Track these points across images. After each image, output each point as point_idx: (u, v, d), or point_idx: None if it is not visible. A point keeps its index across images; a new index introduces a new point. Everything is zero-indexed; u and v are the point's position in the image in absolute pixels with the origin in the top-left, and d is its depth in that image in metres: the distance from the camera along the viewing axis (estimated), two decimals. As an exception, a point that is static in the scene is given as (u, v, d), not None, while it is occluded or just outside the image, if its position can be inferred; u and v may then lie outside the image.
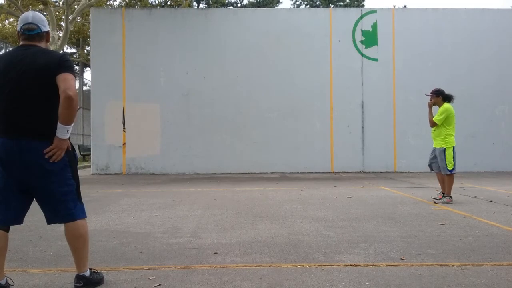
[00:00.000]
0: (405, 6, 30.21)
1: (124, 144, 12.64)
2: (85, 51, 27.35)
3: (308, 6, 36.24)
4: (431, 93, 6.52)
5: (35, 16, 2.73)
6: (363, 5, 34.83)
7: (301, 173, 12.64)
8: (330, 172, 12.80)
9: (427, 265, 3.31)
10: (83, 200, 2.87)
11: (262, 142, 12.87)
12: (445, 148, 6.25)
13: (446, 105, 6.33)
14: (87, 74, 29.34)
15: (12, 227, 2.90)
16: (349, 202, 6.65)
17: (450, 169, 6.23)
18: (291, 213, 5.65)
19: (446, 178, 6.34)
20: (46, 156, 2.58)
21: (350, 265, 3.31)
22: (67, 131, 2.59)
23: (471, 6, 55.40)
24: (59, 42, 17.41)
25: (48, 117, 2.60)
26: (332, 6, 33.73)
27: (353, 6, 32.46)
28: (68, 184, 2.70)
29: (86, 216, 2.85)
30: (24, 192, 2.69)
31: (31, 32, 2.67)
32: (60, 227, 4.76)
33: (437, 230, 4.51)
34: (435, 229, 4.59)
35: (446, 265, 3.30)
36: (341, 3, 35.44)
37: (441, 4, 58.36)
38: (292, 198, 7.07)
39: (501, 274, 3.07)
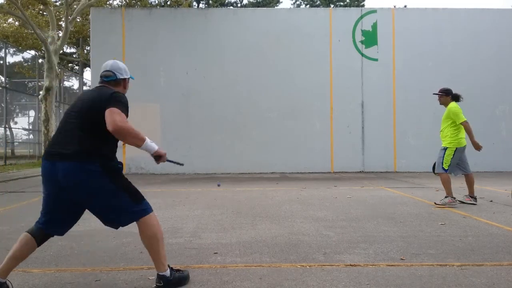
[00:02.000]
0: (405, 6, 30.21)
1: (124, 144, 12.64)
2: (85, 51, 27.34)
3: (308, 6, 36.24)
4: (439, 92, 6.42)
5: (114, 64, 2.99)
6: (363, 5, 34.84)
7: (301, 173, 12.64)
8: (330, 172, 12.80)
9: (427, 265, 3.31)
10: None
11: (262, 142, 12.87)
12: (447, 148, 6.12)
13: (454, 104, 6.20)
14: (87, 74, 29.36)
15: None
16: (349, 202, 6.65)
17: (445, 168, 6.08)
18: (291, 213, 5.65)
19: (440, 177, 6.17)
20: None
21: (350, 265, 3.31)
22: (145, 149, 2.83)
23: (471, 6, 55.45)
24: (59, 42, 17.42)
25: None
26: (332, 6, 33.73)
27: (353, 6, 32.47)
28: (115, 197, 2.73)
29: (148, 214, 2.80)
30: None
31: (106, 79, 2.95)
32: (60, 227, 4.76)
33: (437, 230, 4.51)
34: (435, 229, 4.59)
35: (446, 265, 3.30)
36: (341, 3, 35.44)
37: (441, 4, 58.40)
38: (292, 198, 7.07)
39: (501, 274, 3.07)
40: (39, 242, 2.80)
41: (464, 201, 6.26)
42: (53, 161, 2.69)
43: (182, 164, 3.14)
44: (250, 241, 4.09)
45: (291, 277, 3.03)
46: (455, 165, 6.15)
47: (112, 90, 2.84)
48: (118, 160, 2.87)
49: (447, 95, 6.33)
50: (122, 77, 2.99)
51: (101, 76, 2.98)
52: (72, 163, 2.65)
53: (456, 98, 6.32)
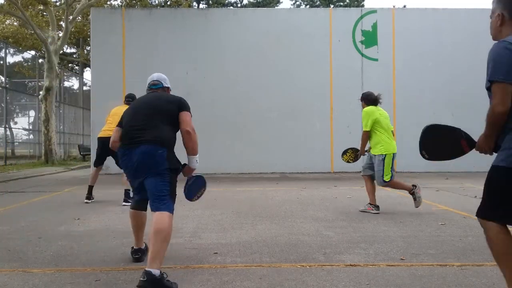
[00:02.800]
0: (404, 6, 30.22)
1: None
2: (85, 51, 27.35)
3: (308, 6, 36.25)
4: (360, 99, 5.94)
5: (160, 76, 3.66)
6: (363, 5, 34.85)
7: (301, 173, 12.64)
8: (330, 172, 12.79)
9: (427, 265, 3.31)
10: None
11: (262, 142, 12.86)
12: (384, 156, 5.53)
13: (365, 109, 5.66)
14: (87, 74, 29.37)
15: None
16: (349, 202, 6.65)
17: (386, 180, 5.50)
18: (291, 213, 5.65)
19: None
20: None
21: (350, 265, 3.31)
22: (194, 159, 3.36)
23: (471, 6, 55.45)
24: (59, 42, 17.43)
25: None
26: (332, 6, 33.74)
27: (353, 6, 32.47)
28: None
29: (170, 212, 3.01)
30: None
31: (155, 86, 3.59)
32: (59, 227, 4.76)
33: (437, 230, 4.51)
34: (435, 229, 4.59)
35: (446, 265, 3.30)
36: (341, 3, 35.46)
37: (441, 4, 58.40)
38: (292, 198, 7.07)
39: (501, 274, 3.06)
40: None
41: (366, 210, 5.67)
42: None
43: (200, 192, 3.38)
44: (250, 241, 4.09)
45: (291, 277, 3.03)
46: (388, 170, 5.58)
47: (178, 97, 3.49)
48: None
49: (362, 100, 5.81)
50: (167, 86, 3.65)
51: (149, 85, 3.59)
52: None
53: (370, 102, 5.70)
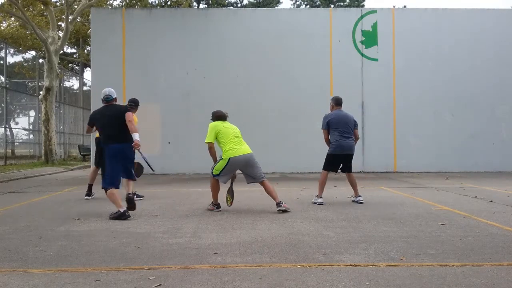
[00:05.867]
0: (404, 6, 30.22)
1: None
2: (85, 51, 27.35)
3: (308, 6, 36.26)
4: None
5: (111, 90, 5.90)
6: (363, 5, 34.85)
7: (301, 173, 12.63)
8: (330, 172, 12.76)
9: (427, 265, 3.31)
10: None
11: (262, 142, 12.82)
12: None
13: (210, 124, 6.26)
14: (87, 74, 29.38)
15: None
16: (349, 202, 6.66)
17: (214, 174, 5.96)
18: (291, 213, 5.65)
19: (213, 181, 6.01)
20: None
21: (350, 265, 3.31)
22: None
23: (471, 6, 55.42)
24: (59, 42, 17.43)
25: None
26: (332, 6, 33.74)
27: (353, 6, 32.47)
28: None
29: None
30: None
31: (108, 99, 5.81)
32: (59, 227, 4.76)
33: (437, 230, 4.51)
34: (435, 229, 4.59)
35: (446, 265, 3.30)
36: (341, 3, 35.47)
37: (441, 4, 58.38)
38: (292, 198, 7.08)
39: (501, 274, 3.07)
40: None
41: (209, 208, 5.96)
42: None
43: (153, 170, 4.70)
44: (250, 241, 4.09)
45: (291, 277, 3.03)
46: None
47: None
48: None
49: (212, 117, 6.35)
50: (114, 97, 5.90)
51: (104, 97, 5.79)
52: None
53: (216, 118, 6.41)
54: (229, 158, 5.95)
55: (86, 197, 7.00)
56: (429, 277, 3.01)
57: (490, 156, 12.95)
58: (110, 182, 5.34)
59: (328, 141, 6.84)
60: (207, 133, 6.11)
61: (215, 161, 6.08)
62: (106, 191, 5.33)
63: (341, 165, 6.80)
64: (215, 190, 6.01)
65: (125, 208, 5.22)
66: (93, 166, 7.47)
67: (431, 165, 12.94)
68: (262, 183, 6.11)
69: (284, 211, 5.71)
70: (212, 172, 6.02)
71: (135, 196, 6.42)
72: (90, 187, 7.11)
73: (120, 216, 5.16)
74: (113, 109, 5.64)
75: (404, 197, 7.25)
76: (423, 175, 11.86)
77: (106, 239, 4.20)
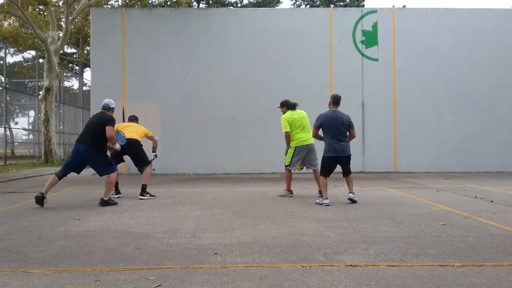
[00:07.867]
0: (404, 6, 30.21)
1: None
2: (85, 51, 27.34)
3: (308, 6, 36.25)
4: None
5: (110, 101, 6.77)
6: (363, 5, 34.85)
7: (301, 173, 12.59)
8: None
9: (428, 265, 3.30)
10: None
11: (262, 142, 12.85)
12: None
13: (282, 117, 7.26)
14: (87, 74, 29.35)
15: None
16: (349, 202, 6.65)
17: (286, 164, 7.15)
18: (291, 213, 5.65)
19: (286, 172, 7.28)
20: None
21: (351, 265, 3.30)
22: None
23: (471, 6, 55.42)
24: (59, 42, 17.44)
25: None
26: (332, 6, 33.74)
27: (353, 6, 32.47)
28: None
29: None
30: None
31: (106, 107, 6.65)
32: (59, 227, 4.75)
33: (438, 231, 4.51)
34: (435, 229, 4.58)
35: (446, 265, 3.30)
36: (341, 3, 35.45)
37: (441, 4, 58.38)
38: (292, 198, 7.07)
39: (501, 275, 3.07)
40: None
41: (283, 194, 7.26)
42: None
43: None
44: (250, 241, 4.09)
45: (291, 277, 3.02)
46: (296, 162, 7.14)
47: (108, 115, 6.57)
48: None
49: (283, 107, 7.43)
50: (113, 107, 6.76)
51: (103, 106, 6.66)
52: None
53: (289, 106, 7.37)
54: (295, 147, 7.13)
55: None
56: (429, 277, 3.01)
57: (491, 156, 12.95)
58: (60, 171, 6.48)
59: (317, 136, 7.25)
60: (281, 124, 7.22)
61: (288, 145, 7.18)
62: (56, 175, 6.38)
63: (339, 166, 6.83)
64: (289, 180, 7.34)
65: (37, 196, 6.20)
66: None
67: (431, 165, 12.94)
68: (314, 171, 7.26)
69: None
70: (285, 164, 7.19)
71: (143, 195, 7.15)
72: (116, 185, 7.20)
73: (36, 199, 6.14)
74: (100, 117, 6.51)
75: (404, 197, 7.24)
76: (424, 175, 11.85)
77: (106, 239, 4.19)
